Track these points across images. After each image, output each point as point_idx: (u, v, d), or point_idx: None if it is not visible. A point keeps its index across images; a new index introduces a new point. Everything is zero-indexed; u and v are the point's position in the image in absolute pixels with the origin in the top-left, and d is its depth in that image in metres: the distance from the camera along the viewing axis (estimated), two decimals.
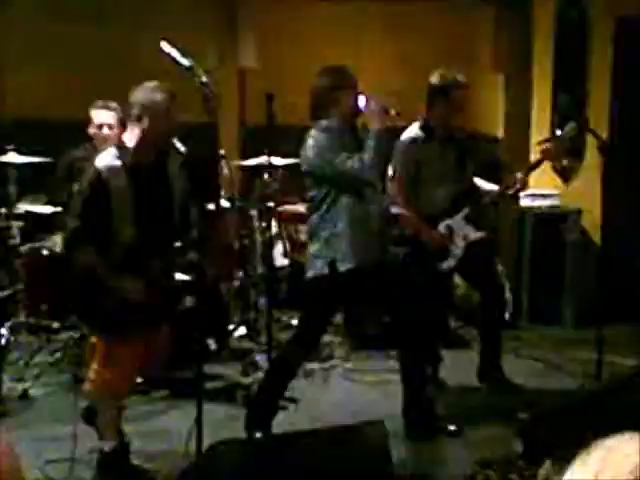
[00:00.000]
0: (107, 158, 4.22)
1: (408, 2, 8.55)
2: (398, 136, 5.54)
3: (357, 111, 4.78)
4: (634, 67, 7.27)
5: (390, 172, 5.95)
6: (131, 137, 4.28)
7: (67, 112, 7.86)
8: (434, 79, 5.51)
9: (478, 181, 5.83)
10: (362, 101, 4.76)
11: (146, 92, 4.25)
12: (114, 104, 5.71)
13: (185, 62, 4.12)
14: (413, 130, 5.56)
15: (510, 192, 5.82)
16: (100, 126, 5.72)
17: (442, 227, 5.57)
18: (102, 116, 5.74)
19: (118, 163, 4.20)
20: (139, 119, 4.23)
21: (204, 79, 4.02)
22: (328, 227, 4.76)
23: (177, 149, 4.46)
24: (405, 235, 5.63)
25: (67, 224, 4.33)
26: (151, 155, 4.31)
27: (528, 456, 3.67)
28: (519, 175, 5.71)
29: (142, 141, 4.26)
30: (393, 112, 4.71)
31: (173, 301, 4.58)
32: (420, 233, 5.52)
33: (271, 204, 6.55)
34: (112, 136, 5.67)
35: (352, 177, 4.66)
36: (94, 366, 4.37)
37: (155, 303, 4.28)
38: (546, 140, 6.18)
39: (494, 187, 5.81)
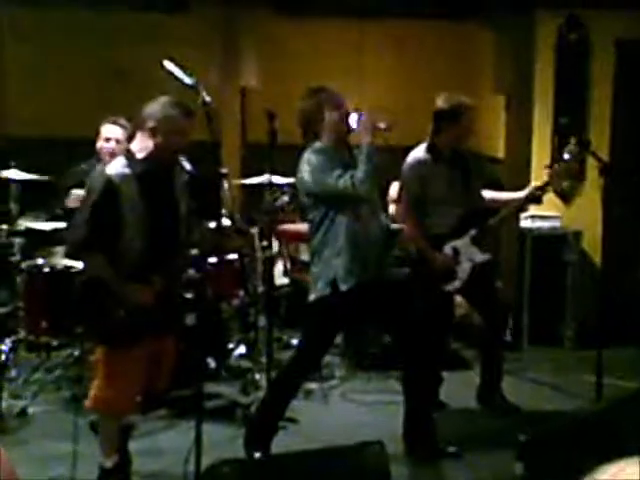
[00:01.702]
0: (117, 166, 4.23)
1: (410, 22, 8.58)
2: (397, 155, 5.54)
3: (347, 129, 4.79)
4: (634, 90, 7.30)
5: (394, 192, 5.97)
6: (140, 148, 4.27)
7: (68, 130, 7.91)
8: (442, 103, 5.50)
9: (490, 193, 5.80)
10: (354, 119, 4.77)
11: (164, 107, 4.24)
12: (123, 121, 5.79)
13: (188, 81, 4.14)
14: (420, 151, 5.57)
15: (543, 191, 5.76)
16: (107, 139, 5.80)
17: (448, 248, 5.56)
18: (110, 130, 5.83)
19: (128, 171, 4.20)
20: (153, 133, 4.23)
21: (207, 98, 4.03)
22: (329, 247, 4.76)
23: (183, 166, 4.46)
24: (409, 256, 5.63)
25: (74, 231, 4.29)
26: (160, 168, 4.31)
27: (529, 479, 3.64)
28: (536, 191, 5.69)
29: (153, 154, 4.26)
30: (382, 125, 4.72)
31: (177, 313, 4.52)
32: (425, 254, 5.52)
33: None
34: (118, 151, 5.72)
35: (346, 196, 4.66)
36: (96, 382, 4.36)
37: (160, 313, 4.27)
38: (553, 163, 6.18)
39: (508, 195, 5.80)
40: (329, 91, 4.86)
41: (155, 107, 4.26)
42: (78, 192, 5.55)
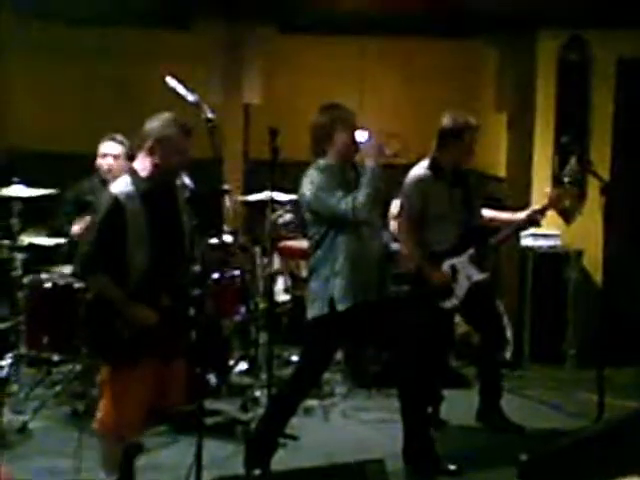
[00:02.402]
0: (122, 184, 4.23)
1: (413, 40, 8.61)
2: (398, 173, 5.56)
3: (356, 148, 4.79)
4: (635, 108, 7.33)
5: (395, 209, 5.98)
6: (143, 167, 4.28)
7: (70, 145, 7.93)
8: (447, 121, 5.52)
9: (490, 212, 5.82)
10: (363, 136, 4.78)
11: (160, 126, 4.23)
12: (121, 137, 5.86)
13: (190, 97, 4.16)
14: (421, 168, 5.59)
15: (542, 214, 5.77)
16: (104, 155, 5.88)
17: (446, 266, 5.57)
18: (107, 147, 5.92)
19: (132, 190, 4.21)
20: (151, 152, 4.24)
21: (209, 114, 4.04)
22: (327, 266, 4.76)
23: (184, 183, 4.47)
24: (407, 273, 5.64)
25: (83, 251, 4.29)
26: (162, 185, 4.31)
27: None
28: (536, 215, 5.71)
29: (153, 173, 4.26)
30: (389, 152, 4.73)
31: (185, 332, 4.47)
32: (423, 271, 5.53)
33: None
34: (116, 167, 5.78)
35: (345, 218, 4.66)
36: (102, 404, 4.34)
37: (167, 332, 4.25)
38: (554, 186, 6.21)
39: (508, 216, 5.81)
40: (343, 109, 4.84)
41: (153, 126, 4.26)
42: (82, 220, 5.58)
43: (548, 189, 6.05)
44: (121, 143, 5.92)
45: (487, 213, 5.81)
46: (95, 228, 4.20)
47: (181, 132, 4.22)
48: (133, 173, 4.28)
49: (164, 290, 4.28)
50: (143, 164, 4.28)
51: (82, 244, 4.33)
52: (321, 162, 4.78)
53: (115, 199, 4.16)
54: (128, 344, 4.19)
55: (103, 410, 4.30)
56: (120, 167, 5.73)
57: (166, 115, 4.27)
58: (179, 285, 4.40)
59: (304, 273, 6.66)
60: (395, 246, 5.89)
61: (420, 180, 5.55)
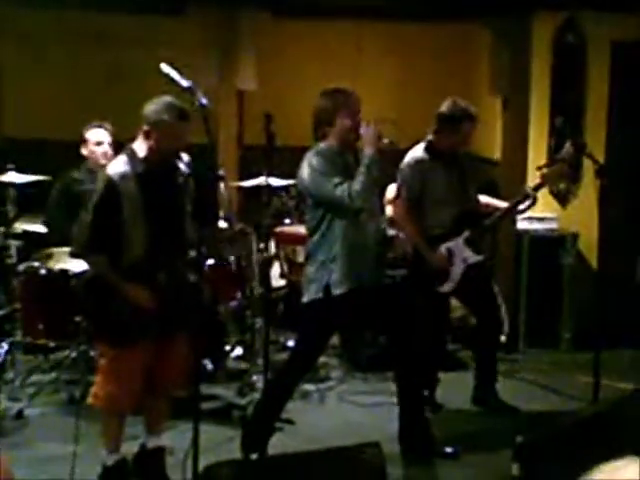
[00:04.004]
0: (118, 165, 4.27)
1: (408, 24, 8.59)
2: (398, 158, 5.56)
3: (356, 134, 4.77)
4: (630, 90, 7.32)
5: (391, 193, 5.97)
6: (141, 149, 4.30)
7: (65, 132, 7.91)
8: (445, 108, 5.52)
9: (485, 198, 5.83)
10: (363, 125, 4.76)
11: (157, 111, 4.25)
12: (108, 125, 5.83)
13: (184, 83, 4.14)
14: (418, 151, 5.58)
15: (521, 207, 5.78)
16: (99, 143, 5.82)
17: (442, 249, 5.57)
18: (100, 134, 5.85)
19: (129, 169, 4.24)
20: (147, 135, 4.26)
21: (203, 100, 4.03)
22: (324, 250, 4.75)
23: (178, 168, 4.45)
24: (403, 257, 5.64)
25: (80, 232, 4.32)
26: (160, 167, 4.34)
27: None
28: (529, 189, 5.72)
29: (150, 155, 4.29)
30: (386, 141, 4.73)
31: (186, 312, 4.45)
32: (422, 253, 5.52)
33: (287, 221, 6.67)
34: (110, 154, 5.72)
35: (341, 205, 4.66)
36: (97, 379, 4.43)
37: (166, 312, 4.29)
38: (546, 165, 6.20)
39: (503, 203, 5.81)
40: (347, 95, 4.80)
41: (150, 109, 4.28)
42: None
43: (539, 167, 6.04)
44: (108, 130, 5.90)
45: (483, 199, 5.81)
46: (91, 210, 4.23)
47: (178, 117, 4.23)
48: (131, 154, 4.29)
49: (161, 270, 4.31)
50: (140, 146, 4.30)
51: (80, 225, 4.34)
52: (321, 145, 4.77)
53: (110, 179, 4.20)
54: (125, 325, 4.25)
55: (97, 385, 4.41)
56: (106, 153, 5.74)
57: (164, 99, 4.29)
58: (176, 266, 4.41)
59: (300, 259, 6.66)
60: (392, 231, 5.88)
61: (418, 162, 5.55)
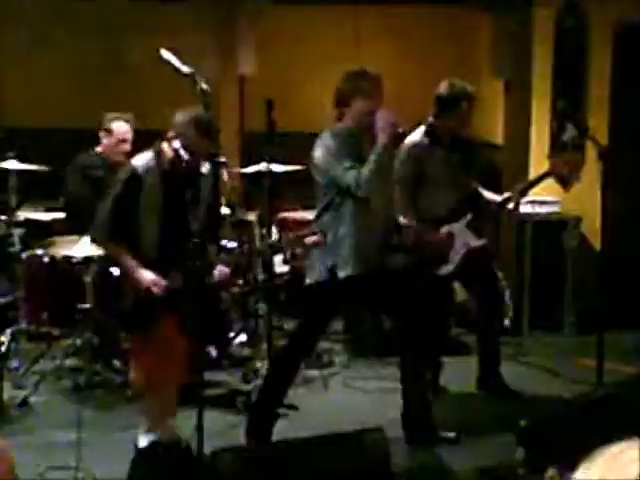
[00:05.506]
0: (144, 159, 4.38)
1: (407, 8, 8.55)
2: None
3: (372, 119, 4.66)
4: (633, 73, 7.29)
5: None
6: (168, 149, 4.39)
7: (66, 119, 7.90)
8: (443, 89, 5.49)
9: (488, 194, 5.81)
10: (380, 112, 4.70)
11: (185, 125, 4.33)
12: (131, 117, 5.83)
13: (185, 69, 4.13)
14: (417, 135, 5.56)
15: (510, 205, 5.76)
16: (124, 140, 5.84)
17: (444, 231, 5.56)
18: (125, 131, 5.90)
19: (154, 165, 4.34)
20: (169, 142, 4.36)
21: (204, 86, 4.02)
22: (332, 232, 4.73)
23: (180, 155, 4.47)
24: (404, 242, 5.62)
25: (99, 219, 4.40)
26: (185, 168, 4.41)
27: (529, 464, 3.65)
28: (518, 189, 5.71)
29: (174, 158, 4.38)
30: (400, 130, 4.71)
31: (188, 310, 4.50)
32: (422, 235, 5.51)
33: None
34: (127, 153, 5.71)
35: (349, 190, 4.64)
36: (133, 364, 4.57)
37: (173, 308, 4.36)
38: (552, 154, 6.20)
39: (495, 197, 5.79)
40: (367, 77, 4.76)
41: (179, 119, 4.36)
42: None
43: (549, 156, 6.03)
44: (129, 122, 5.89)
45: (486, 194, 5.78)
46: (112, 199, 4.33)
47: (203, 134, 4.29)
48: (159, 152, 4.39)
49: (175, 268, 4.39)
50: (167, 148, 4.40)
51: (99, 211, 4.42)
52: (336, 127, 4.76)
53: (134, 171, 4.32)
54: (138, 311, 4.36)
55: (133, 368, 4.56)
56: (124, 151, 5.76)
57: (195, 112, 4.29)
58: (190, 265, 4.43)
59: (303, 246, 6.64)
60: (402, 221, 5.86)
61: (414, 146, 5.52)
